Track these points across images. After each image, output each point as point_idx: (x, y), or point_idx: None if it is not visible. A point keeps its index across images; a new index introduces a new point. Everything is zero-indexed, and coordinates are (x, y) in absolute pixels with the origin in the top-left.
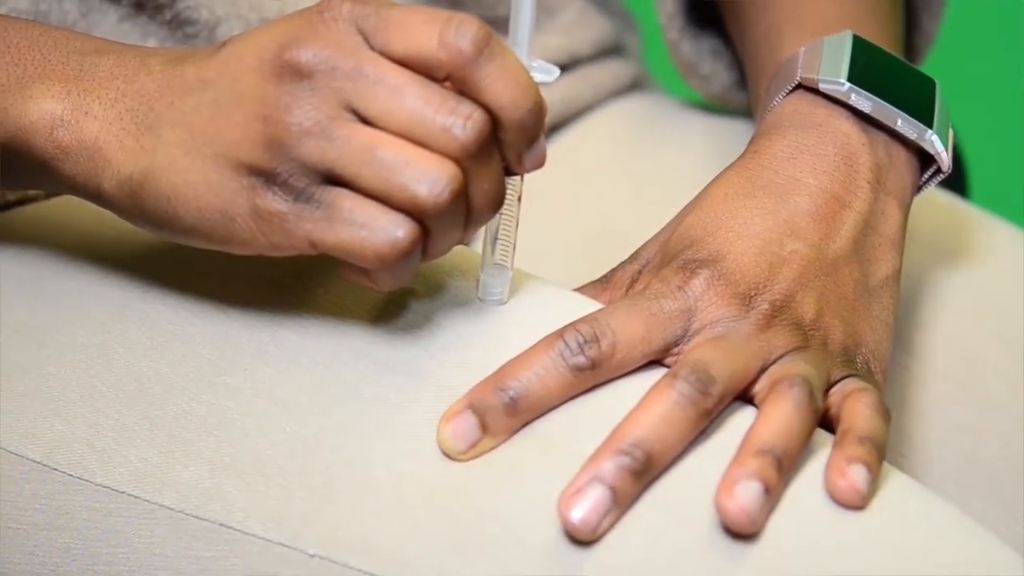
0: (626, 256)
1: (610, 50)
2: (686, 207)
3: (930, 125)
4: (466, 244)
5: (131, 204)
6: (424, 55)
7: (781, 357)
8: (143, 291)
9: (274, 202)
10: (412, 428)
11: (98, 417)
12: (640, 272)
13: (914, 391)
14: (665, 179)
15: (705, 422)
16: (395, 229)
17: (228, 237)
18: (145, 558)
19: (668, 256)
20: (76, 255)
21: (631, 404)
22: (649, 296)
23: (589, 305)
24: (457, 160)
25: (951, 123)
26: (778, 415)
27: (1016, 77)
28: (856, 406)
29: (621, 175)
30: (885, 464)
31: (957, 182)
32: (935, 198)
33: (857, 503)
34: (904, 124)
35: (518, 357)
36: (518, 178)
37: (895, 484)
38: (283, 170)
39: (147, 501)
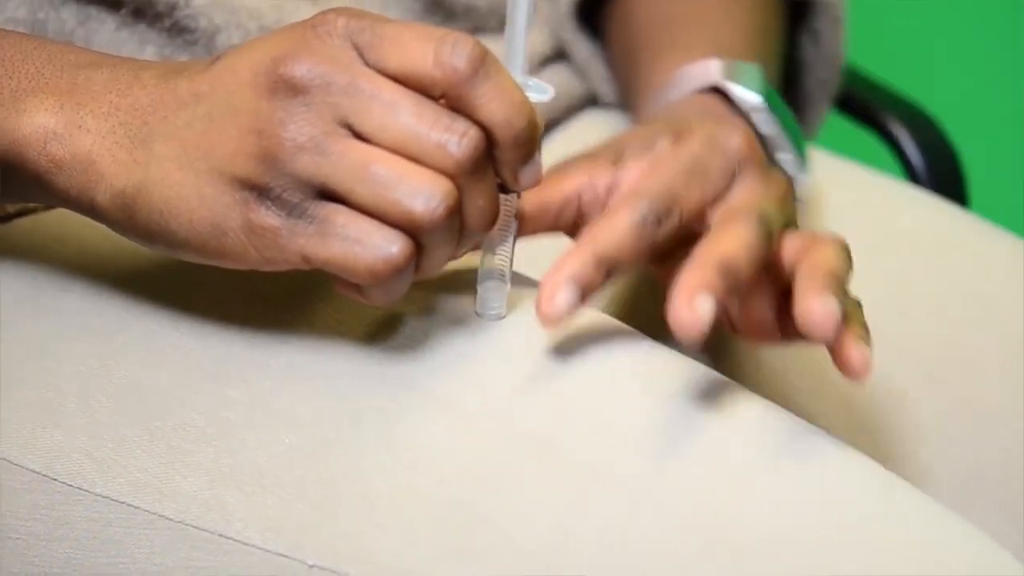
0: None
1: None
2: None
3: (804, 170)
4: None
5: (124, 218)
6: (419, 72)
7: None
8: (143, 304)
9: (267, 217)
10: (410, 439)
11: (98, 428)
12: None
13: (913, 400)
14: None
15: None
16: (389, 245)
17: (220, 251)
18: (145, 568)
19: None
20: (76, 267)
21: (627, 413)
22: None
23: (587, 316)
24: (452, 177)
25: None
26: (739, 234)
27: (1016, 81)
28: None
29: None
30: (885, 469)
31: (956, 191)
32: (934, 206)
33: (832, 332)
34: (785, 158)
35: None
36: (515, 195)
37: (893, 488)
38: (277, 185)
39: (147, 511)
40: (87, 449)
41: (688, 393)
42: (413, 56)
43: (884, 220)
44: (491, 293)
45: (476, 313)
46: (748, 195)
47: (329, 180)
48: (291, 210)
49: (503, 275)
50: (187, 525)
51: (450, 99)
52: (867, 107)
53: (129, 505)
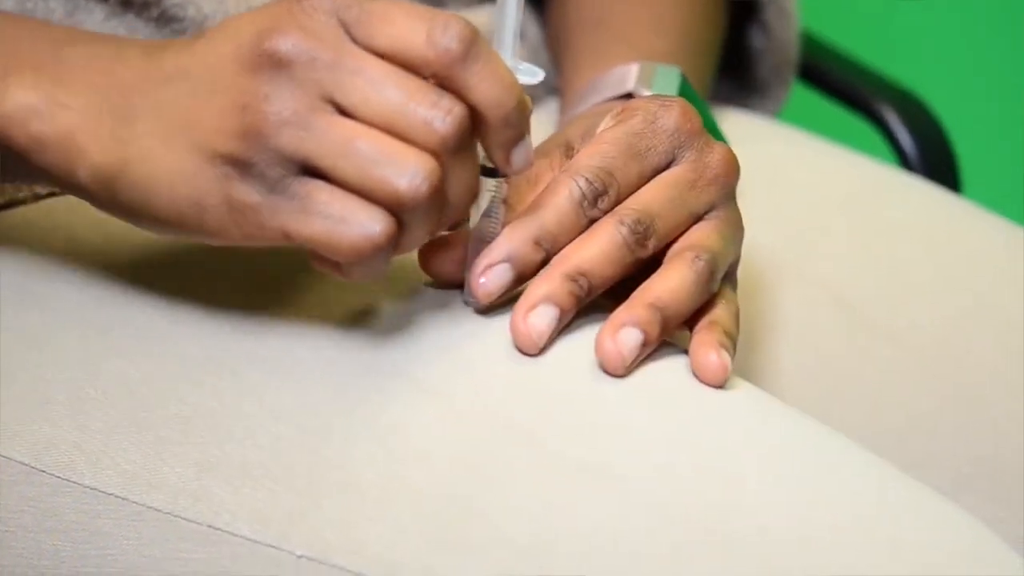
0: None
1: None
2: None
3: None
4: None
5: (106, 195)
6: (410, 51)
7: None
8: (131, 294)
9: (248, 194)
10: (398, 429)
11: (86, 419)
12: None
13: (909, 392)
14: None
15: (635, 268)
16: (372, 224)
17: (201, 227)
18: (134, 560)
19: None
20: (66, 259)
21: (613, 405)
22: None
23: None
24: (436, 154)
25: None
26: (678, 278)
27: (1008, 66)
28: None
29: None
30: (884, 462)
31: (949, 176)
32: (927, 192)
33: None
34: None
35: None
36: (503, 180)
37: (890, 480)
38: (259, 160)
39: (135, 503)
40: (76, 441)
41: (680, 389)
42: (404, 35)
43: (877, 207)
44: None
45: (464, 301)
46: (701, 234)
47: (312, 155)
48: (272, 186)
49: None
50: (176, 516)
51: (440, 80)
52: (858, 93)
53: (118, 497)
